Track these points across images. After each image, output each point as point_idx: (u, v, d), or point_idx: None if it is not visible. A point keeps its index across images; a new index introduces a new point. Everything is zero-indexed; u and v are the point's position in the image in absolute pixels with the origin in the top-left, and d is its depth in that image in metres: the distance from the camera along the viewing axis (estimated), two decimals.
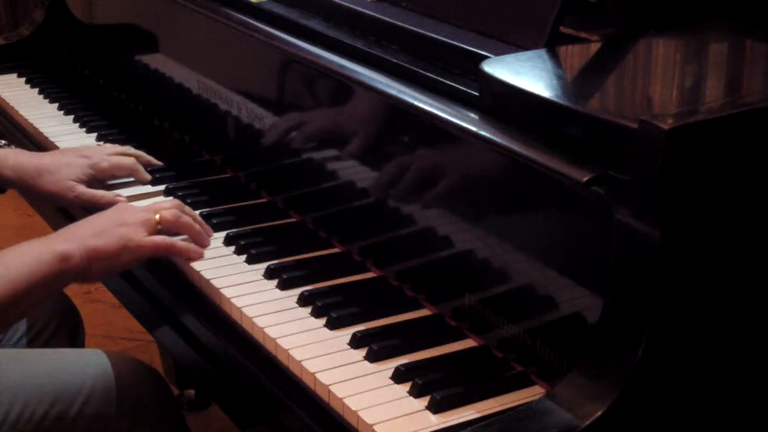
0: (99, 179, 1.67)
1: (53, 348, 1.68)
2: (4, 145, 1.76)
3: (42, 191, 1.65)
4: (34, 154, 1.71)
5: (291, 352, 1.23)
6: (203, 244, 1.47)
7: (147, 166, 1.72)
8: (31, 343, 1.69)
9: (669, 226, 0.98)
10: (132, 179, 1.70)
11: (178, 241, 1.44)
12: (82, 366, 1.46)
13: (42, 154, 1.73)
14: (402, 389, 1.17)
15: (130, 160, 1.70)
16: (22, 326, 1.69)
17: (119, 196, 1.64)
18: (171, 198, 1.61)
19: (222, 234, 1.51)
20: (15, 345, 1.67)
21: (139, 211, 1.45)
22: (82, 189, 1.63)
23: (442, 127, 1.25)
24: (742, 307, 1.06)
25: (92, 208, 1.64)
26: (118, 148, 1.73)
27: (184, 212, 1.47)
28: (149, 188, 1.69)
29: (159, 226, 1.43)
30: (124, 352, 1.62)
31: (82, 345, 1.80)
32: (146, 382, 1.50)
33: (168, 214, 1.44)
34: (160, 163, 1.73)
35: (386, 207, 1.37)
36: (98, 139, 1.89)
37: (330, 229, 1.51)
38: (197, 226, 1.48)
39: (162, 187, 1.68)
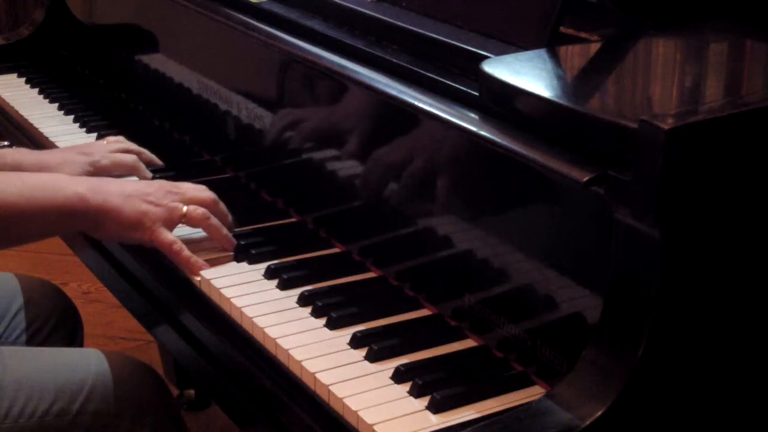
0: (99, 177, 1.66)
1: (52, 347, 1.68)
2: (6, 146, 1.76)
3: None
4: (34, 152, 1.70)
5: (291, 352, 1.23)
6: (228, 248, 1.45)
7: (149, 164, 1.71)
8: (30, 341, 1.69)
9: (669, 226, 0.98)
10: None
11: (186, 251, 1.41)
12: (84, 364, 1.47)
13: (42, 152, 1.72)
14: (402, 389, 1.17)
15: (131, 158, 1.69)
16: (21, 324, 1.69)
17: None
18: (208, 190, 1.53)
19: None
20: (13, 343, 1.67)
21: (172, 194, 1.43)
22: None
23: (442, 127, 1.25)
24: (742, 307, 1.06)
25: None
26: (120, 144, 1.72)
27: (218, 210, 1.46)
28: None
29: (183, 219, 1.42)
30: (124, 353, 1.62)
31: (81, 344, 1.80)
32: (146, 382, 1.50)
33: (197, 213, 1.42)
34: (161, 163, 1.73)
35: (386, 207, 1.37)
36: (98, 139, 1.88)
37: (330, 229, 1.51)
38: (224, 231, 1.45)
39: None
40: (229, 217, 1.49)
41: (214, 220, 1.45)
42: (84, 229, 1.41)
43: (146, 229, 1.40)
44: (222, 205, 1.48)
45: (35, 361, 1.46)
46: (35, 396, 1.40)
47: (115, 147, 1.70)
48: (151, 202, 1.41)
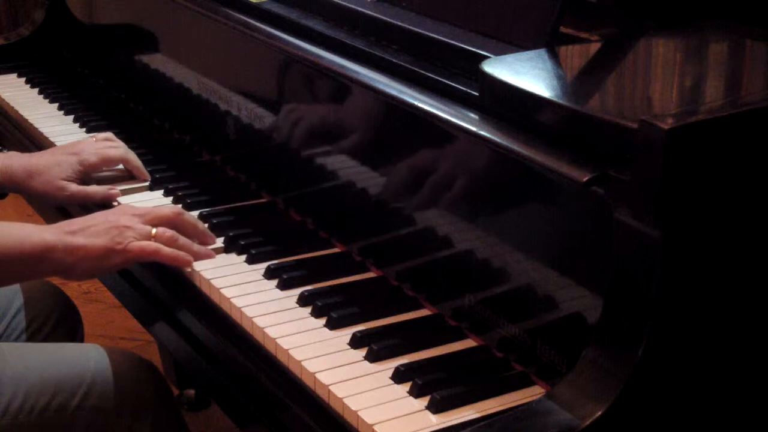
0: (90, 174, 1.66)
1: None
2: None
3: (34, 192, 1.65)
4: (24, 156, 1.70)
5: (291, 352, 1.23)
6: (206, 257, 1.44)
7: (137, 175, 1.71)
8: (30, 340, 1.69)
9: (669, 226, 0.98)
10: (132, 185, 1.69)
11: (165, 248, 1.40)
12: (83, 359, 1.47)
13: (32, 154, 1.72)
14: (402, 389, 1.17)
15: (119, 151, 1.69)
16: (21, 323, 1.69)
17: (112, 188, 1.64)
18: (171, 205, 1.57)
19: (222, 234, 1.50)
20: (15, 342, 1.67)
21: (136, 217, 1.43)
22: (75, 188, 1.62)
23: (442, 127, 1.25)
24: (742, 307, 1.06)
25: (88, 204, 1.64)
26: (108, 142, 1.71)
27: (183, 221, 1.45)
28: (148, 189, 1.69)
29: (152, 239, 1.40)
30: (124, 349, 1.62)
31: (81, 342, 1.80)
32: (146, 379, 1.50)
33: (165, 236, 1.41)
34: (147, 178, 1.71)
35: (386, 207, 1.37)
36: None
37: (330, 229, 1.51)
38: (195, 247, 1.44)
39: (162, 188, 1.68)
40: (199, 225, 1.48)
41: (183, 240, 1.43)
42: (58, 273, 1.40)
43: (119, 252, 1.38)
44: (187, 215, 1.47)
45: (35, 357, 1.47)
46: (34, 392, 1.40)
47: (103, 144, 1.70)
48: (116, 227, 1.39)
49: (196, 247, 1.44)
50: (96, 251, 1.38)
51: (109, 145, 1.70)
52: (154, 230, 1.41)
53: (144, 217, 1.43)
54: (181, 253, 1.42)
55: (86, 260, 1.38)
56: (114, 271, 1.46)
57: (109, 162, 1.68)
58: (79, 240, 1.37)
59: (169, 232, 1.42)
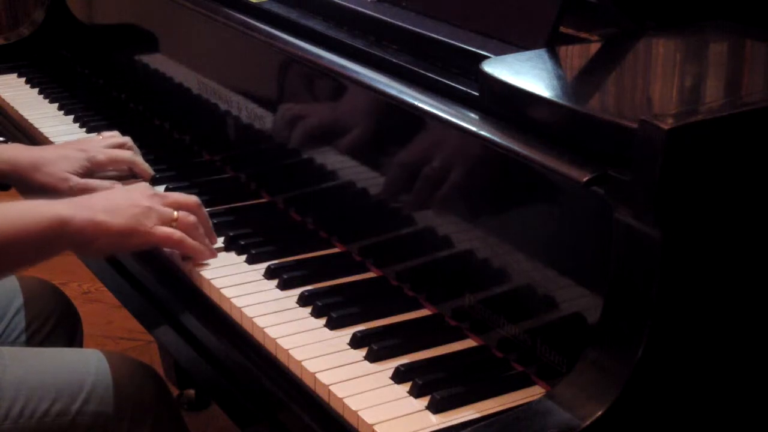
0: (95, 172, 1.66)
1: (51, 347, 1.68)
2: (1, 142, 1.76)
3: (37, 184, 1.64)
4: (30, 148, 1.70)
5: (291, 352, 1.23)
6: (210, 257, 1.44)
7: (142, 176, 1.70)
8: (30, 341, 1.69)
9: (669, 226, 0.98)
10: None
11: (188, 239, 1.40)
12: (83, 364, 1.47)
13: (39, 147, 1.72)
14: (402, 389, 1.17)
15: (128, 153, 1.69)
16: (20, 324, 1.69)
17: (116, 184, 1.64)
18: (191, 195, 1.54)
19: (222, 234, 1.50)
20: (13, 342, 1.67)
21: (156, 197, 1.42)
22: (78, 180, 1.62)
23: (442, 127, 1.25)
24: (742, 307, 1.06)
25: None
26: (115, 139, 1.71)
27: (201, 213, 1.44)
28: None
29: (174, 224, 1.40)
30: (124, 353, 1.62)
31: (80, 344, 1.80)
32: (146, 383, 1.50)
33: (188, 220, 1.41)
34: (152, 172, 1.71)
35: (386, 207, 1.37)
36: None
37: (330, 229, 1.51)
38: (206, 241, 1.44)
39: (162, 188, 1.68)
40: (210, 223, 1.48)
41: (201, 231, 1.43)
42: (74, 249, 1.38)
43: (142, 233, 1.37)
44: (204, 210, 1.47)
45: (35, 362, 1.46)
46: (35, 396, 1.40)
47: (110, 142, 1.70)
48: (140, 207, 1.39)
49: (206, 241, 1.44)
50: (118, 229, 1.36)
51: (117, 143, 1.69)
52: (175, 213, 1.41)
53: (164, 199, 1.42)
54: (203, 248, 1.42)
55: (106, 237, 1.36)
56: (132, 251, 1.45)
57: (116, 164, 1.68)
58: (100, 216, 1.35)
59: (191, 218, 1.41)
